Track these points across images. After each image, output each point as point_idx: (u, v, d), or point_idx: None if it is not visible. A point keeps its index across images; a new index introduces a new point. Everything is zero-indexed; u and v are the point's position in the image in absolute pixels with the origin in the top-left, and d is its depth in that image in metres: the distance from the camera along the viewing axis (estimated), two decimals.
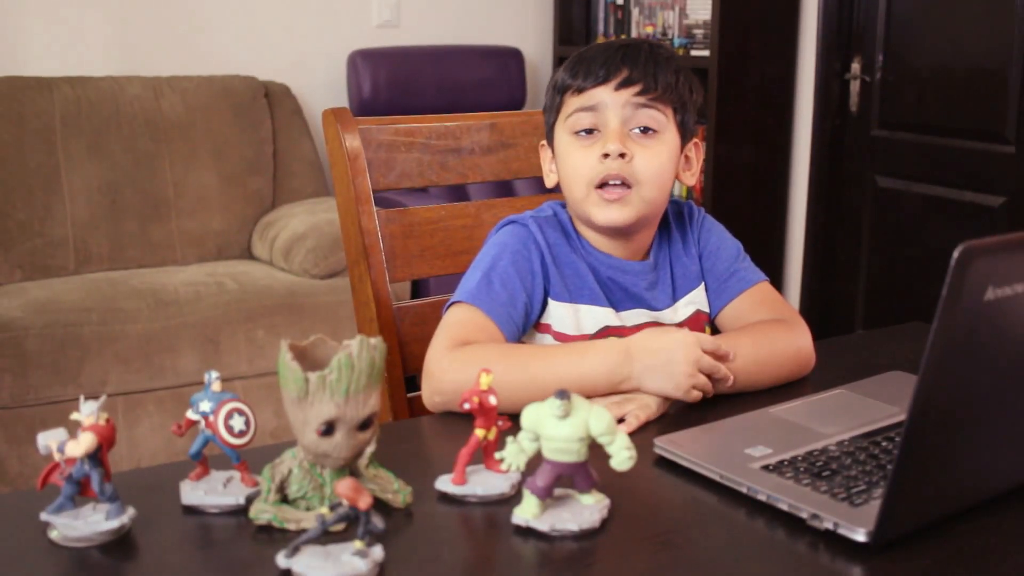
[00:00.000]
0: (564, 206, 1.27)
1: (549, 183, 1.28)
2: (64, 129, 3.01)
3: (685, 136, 1.23)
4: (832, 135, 3.30)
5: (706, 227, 1.30)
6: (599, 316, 1.21)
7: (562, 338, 1.22)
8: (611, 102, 1.17)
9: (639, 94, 1.17)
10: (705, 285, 1.28)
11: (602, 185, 1.18)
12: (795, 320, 1.23)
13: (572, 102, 1.20)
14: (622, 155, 1.16)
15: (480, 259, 1.22)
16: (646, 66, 1.18)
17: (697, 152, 1.27)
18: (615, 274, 1.23)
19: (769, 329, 1.20)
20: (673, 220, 1.29)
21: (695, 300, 1.26)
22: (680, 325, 1.24)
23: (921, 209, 3.07)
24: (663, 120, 1.19)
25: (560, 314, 1.21)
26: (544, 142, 1.29)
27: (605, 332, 1.21)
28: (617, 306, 1.23)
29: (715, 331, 1.29)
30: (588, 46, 1.25)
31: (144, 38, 3.36)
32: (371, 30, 3.72)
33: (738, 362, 1.12)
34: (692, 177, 1.27)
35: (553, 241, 1.23)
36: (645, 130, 1.18)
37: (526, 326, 1.20)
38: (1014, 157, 2.78)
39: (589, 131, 1.19)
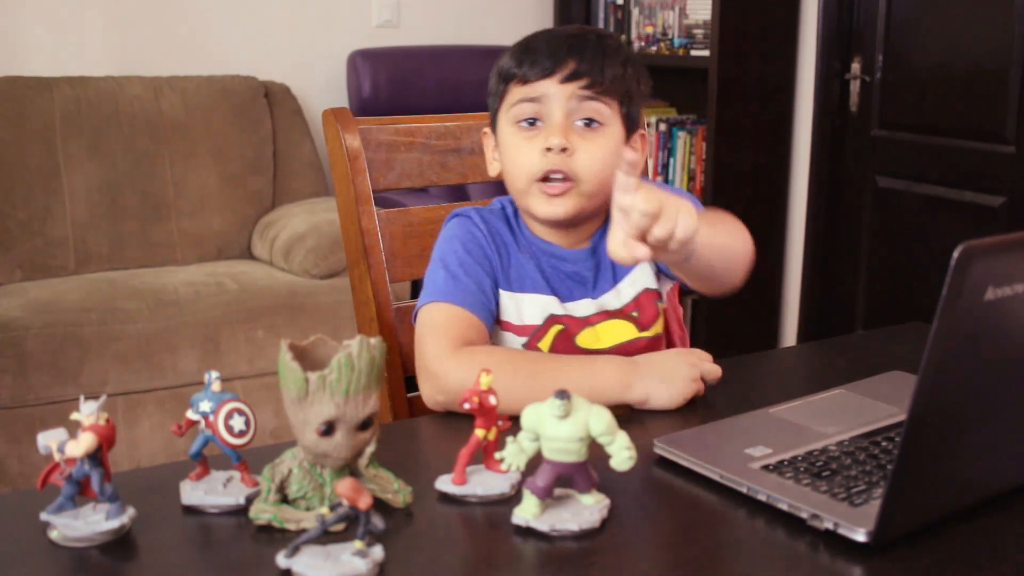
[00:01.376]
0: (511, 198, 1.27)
1: (492, 172, 1.27)
2: (64, 129, 3.01)
3: (630, 127, 1.21)
4: (832, 135, 3.30)
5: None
6: (541, 305, 1.21)
7: (507, 327, 1.22)
8: (555, 95, 1.16)
9: (585, 87, 1.16)
10: None
11: (544, 179, 1.17)
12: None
13: (516, 92, 1.19)
14: (564, 149, 1.15)
15: (436, 257, 1.22)
16: (593, 58, 1.16)
17: (643, 144, 1.25)
18: (556, 263, 1.23)
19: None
20: None
21: (638, 280, 1.24)
22: (625, 308, 1.23)
23: (921, 209, 3.07)
24: (607, 113, 1.18)
25: (504, 303, 1.22)
26: (487, 129, 1.28)
27: (551, 320, 1.21)
28: (563, 295, 1.22)
29: (684, 295, 1.28)
30: (535, 33, 1.22)
31: (144, 38, 3.36)
32: (371, 30, 3.72)
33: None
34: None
35: (495, 231, 1.23)
36: (589, 122, 1.17)
37: (496, 308, 1.21)
38: (1014, 157, 2.78)
39: (532, 121, 1.18)
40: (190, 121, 3.18)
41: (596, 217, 1.24)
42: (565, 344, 1.21)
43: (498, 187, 1.26)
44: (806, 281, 3.40)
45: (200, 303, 2.72)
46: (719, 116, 3.26)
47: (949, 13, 2.93)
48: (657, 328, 1.25)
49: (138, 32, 3.35)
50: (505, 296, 1.22)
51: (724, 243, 1.08)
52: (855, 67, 3.24)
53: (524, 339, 1.21)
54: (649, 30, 3.76)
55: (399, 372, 1.34)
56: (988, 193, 2.86)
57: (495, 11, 3.96)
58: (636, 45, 3.81)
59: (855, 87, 3.24)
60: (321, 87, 3.64)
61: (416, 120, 1.42)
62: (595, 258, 1.24)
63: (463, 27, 3.89)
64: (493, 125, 1.25)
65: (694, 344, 1.26)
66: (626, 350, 1.20)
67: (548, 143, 1.15)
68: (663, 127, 3.70)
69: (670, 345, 1.29)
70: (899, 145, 3.12)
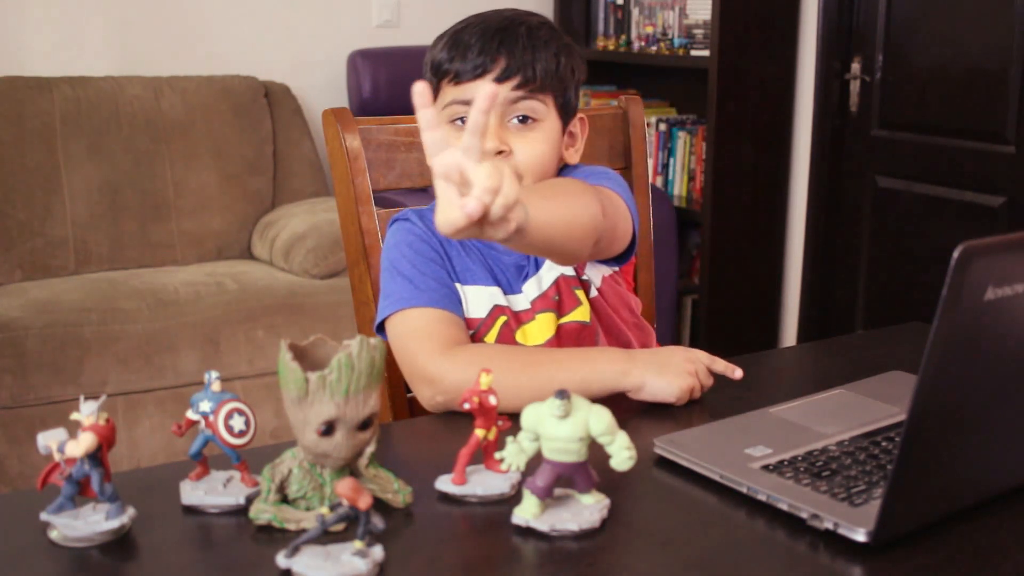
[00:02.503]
0: None
1: (430, 162, 1.26)
2: (64, 129, 3.01)
3: (567, 116, 1.21)
4: (832, 135, 3.30)
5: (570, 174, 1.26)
6: (486, 296, 1.21)
7: None
8: None
9: (517, 87, 1.15)
10: None
11: None
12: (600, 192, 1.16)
13: (449, 92, 1.18)
14: (500, 152, 1.15)
15: (388, 265, 1.21)
16: (524, 54, 1.15)
17: (582, 127, 1.24)
18: (496, 255, 1.23)
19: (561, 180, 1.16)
20: None
21: (554, 265, 1.23)
22: (548, 292, 1.23)
23: (921, 209, 3.07)
24: (542, 109, 1.17)
25: None
26: None
27: (496, 311, 1.21)
28: (505, 286, 1.22)
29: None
30: (465, 21, 1.20)
31: (144, 38, 3.36)
32: (371, 30, 3.72)
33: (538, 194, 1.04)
34: (576, 154, 1.25)
35: (435, 227, 1.22)
36: (524, 119, 1.17)
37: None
38: (1014, 157, 2.78)
39: (466, 120, 1.18)
40: (190, 121, 3.18)
41: None
42: (508, 338, 1.21)
43: None
44: (806, 281, 3.40)
45: (200, 303, 2.72)
46: (719, 116, 3.27)
47: (949, 13, 2.93)
48: (580, 315, 1.23)
49: (138, 32, 3.35)
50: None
51: (562, 215, 1.02)
52: (855, 67, 3.24)
53: (471, 332, 1.21)
54: (649, 30, 3.76)
55: (399, 372, 1.34)
56: (988, 193, 2.86)
57: None
58: (636, 45, 3.81)
59: (855, 87, 3.24)
60: (321, 87, 3.64)
61: (416, 120, 1.41)
62: None
63: None
64: None
65: (694, 344, 1.26)
66: (555, 344, 1.21)
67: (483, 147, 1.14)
68: (663, 127, 3.70)
69: (620, 333, 1.28)
70: (899, 145, 3.12)
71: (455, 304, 1.18)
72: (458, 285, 1.21)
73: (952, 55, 2.92)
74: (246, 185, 3.24)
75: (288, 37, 3.58)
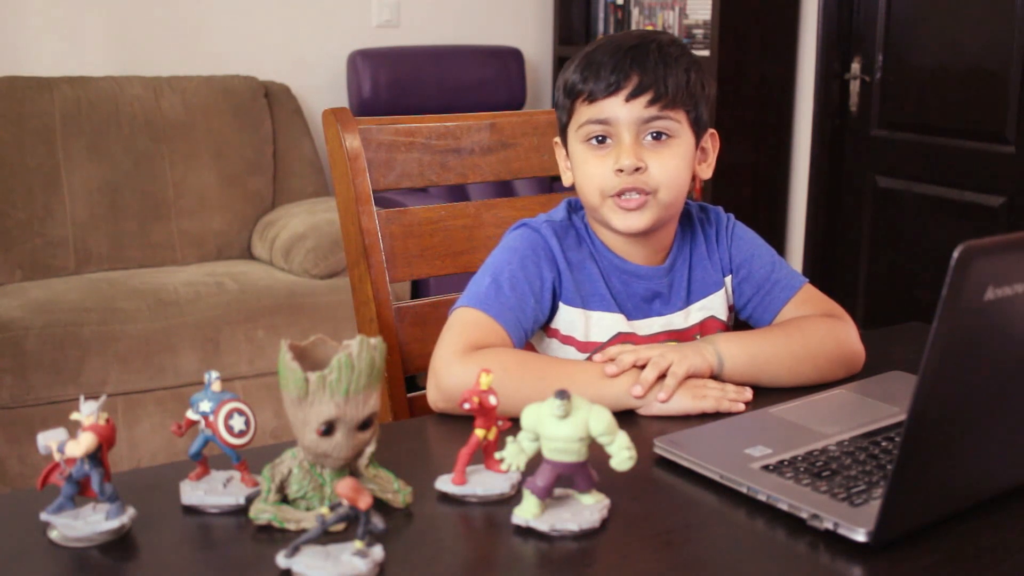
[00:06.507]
0: (580, 206, 1.26)
1: (566, 181, 1.26)
2: (64, 129, 3.01)
3: (699, 131, 1.21)
4: (832, 135, 3.31)
5: (737, 235, 1.28)
6: (610, 323, 1.20)
7: (570, 343, 1.21)
8: (623, 116, 1.15)
9: (651, 103, 1.15)
10: (733, 293, 1.27)
11: (618, 194, 1.16)
12: (839, 315, 1.22)
13: (583, 111, 1.18)
14: (637, 169, 1.14)
15: (490, 262, 1.20)
16: (656, 69, 1.15)
17: (713, 142, 1.24)
18: (629, 280, 1.22)
19: (806, 324, 1.19)
20: (698, 224, 1.27)
21: (709, 306, 1.25)
22: (690, 330, 1.23)
23: (921, 209, 3.07)
24: (676, 125, 1.17)
25: (570, 319, 1.20)
26: (557, 139, 1.27)
27: (617, 339, 1.20)
28: (629, 312, 1.22)
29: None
30: (597, 42, 1.21)
31: (144, 38, 3.36)
32: (371, 30, 3.72)
33: (772, 356, 1.14)
34: (708, 169, 1.24)
35: (567, 246, 1.21)
36: (658, 136, 1.17)
37: (534, 330, 1.20)
38: (1014, 157, 2.78)
39: (601, 139, 1.17)
40: (190, 121, 3.18)
41: (669, 227, 1.23)
42: None
43: (498, 188, 1.26)
44: None
45: (200, 303, 2.72)
46: (719, 116, 3.26)
47: (949, 13, 2.93)
48: None
49: (138, 32, 3.35)
50: (572, 312, 1.20)
51: (782, 362, 1.14)
52: (855, 67, 3.24)
53: (586, 355, 1.20)
54: (649, 30, 3.76)
55: (399, 372, 1.34)
56: (988, 193, 2.86)
57: (495, 11, 3.96)
58: None
59: (855, 87, 3.24)
60: (321, 87, 3.64)
61: (416, 120, 1.42)
62: (670, 276, 1.23)
63: (463, 27, 3.89)
64: (563, 137, 1.24)
65: None
66: None
67: (620, 164, 1.14)
68: None
69: None
70: (899, 145, 3.13)
71: (518, 330, 1.16)
72: (579, 310, 1.20)
73: (952, 55, 2.93)
74: (246, 185, 3.24)
75: (288, 37, 3.59)
